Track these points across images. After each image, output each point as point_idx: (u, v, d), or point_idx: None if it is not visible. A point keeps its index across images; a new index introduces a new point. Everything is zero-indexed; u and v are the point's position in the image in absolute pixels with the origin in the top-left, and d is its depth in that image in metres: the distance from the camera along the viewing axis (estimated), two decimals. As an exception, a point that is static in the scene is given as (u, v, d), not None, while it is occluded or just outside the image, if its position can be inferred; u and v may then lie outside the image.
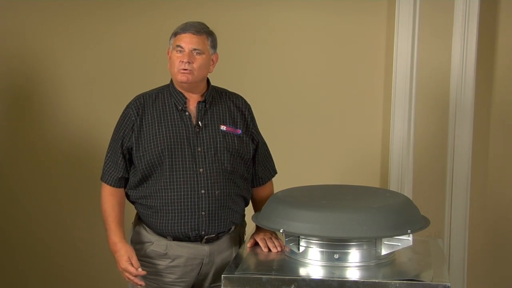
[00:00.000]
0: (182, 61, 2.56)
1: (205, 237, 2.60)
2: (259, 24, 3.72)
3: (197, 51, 2.57)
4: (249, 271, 2.31)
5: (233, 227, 2.69)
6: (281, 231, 2.34)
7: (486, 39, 3.59)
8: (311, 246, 2.37)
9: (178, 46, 2.57)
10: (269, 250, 2.56)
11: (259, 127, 2.78)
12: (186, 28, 2.60)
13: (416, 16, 3.51)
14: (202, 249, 2.62)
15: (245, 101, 2.78)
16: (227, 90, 2.78)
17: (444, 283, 2.17)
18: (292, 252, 2.43)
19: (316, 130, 3.75)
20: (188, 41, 2.57)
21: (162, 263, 2.62)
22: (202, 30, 2.61)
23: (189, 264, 2.63)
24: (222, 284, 2.28)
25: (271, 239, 2.60)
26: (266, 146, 2.84)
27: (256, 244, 2.62)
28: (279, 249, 2.55)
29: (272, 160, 2.87)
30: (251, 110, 2.77)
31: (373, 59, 3.67)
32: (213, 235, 2.61)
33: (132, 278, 2.54)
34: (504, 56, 3.63)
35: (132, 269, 2.52)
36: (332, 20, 3.67)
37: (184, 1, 3.74)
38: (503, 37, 3.61)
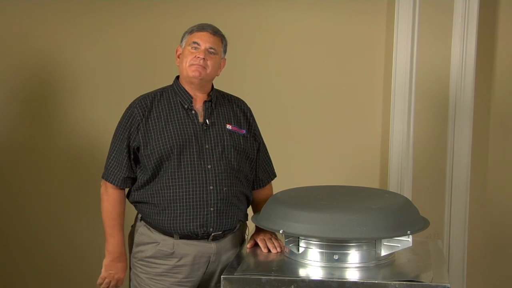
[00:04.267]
0: (198, 57, 2.58)
1: (213, 234, 2.60)
2: (258, 25, 3.73)
3: (212, 50, 2.61)
4: (248, 272, 2.31)
5: (238, 225, 2.70)
6: (280, 232, 2.34)
7: (486, 39, 3.59)
8: (311, 247, 2.37)
9: (194, 42, 2.60)
10: (269, 251, 2.56)
11: (260, 128, 2.79)
12: (203, 27, 2.65)
13: (415, 16, 3.51)
14: (209, 247, 2.62)
15: (246, 104, 2.82)
16: (227, 93, 2.80)
17: (444, 284, 2.17)
18: (291, 253, 2.43)
19: (315, 130, 3.75)
20: (205, 39, 2.61)
21: (169, 263, 2.62)
22: (218, 33, 2.67)
23: (196, 262, 2.62)
24: (222, 285, 2.28)
25: (271, 239, 2.60)
26: (266, 149, 2.86)
27: (256, 244, 2.63)
28: (278, 249, 2.55)
29: (272, 164, 2.88)
30: (252, 113, 2.81)
31: (373, 59, 3.67)
32: (220, 232, 2.62)
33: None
34: (503, 56, 3.63)
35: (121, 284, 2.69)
36: (332, 20, 3.67)
37: (189, 1, 3.74)
38: (502, 37, 3.61)
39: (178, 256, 2.61)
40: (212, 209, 2.57)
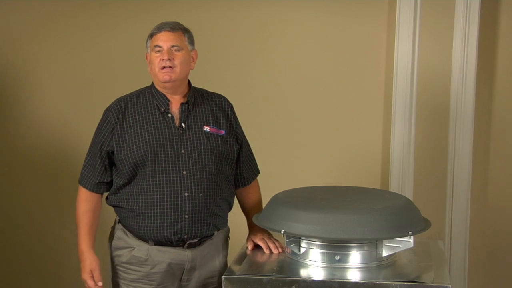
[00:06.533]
0: (163, 59, 2.52)
1: (188, 241, 2.56)
2: (260, 25, 3.72)
3: (175, 47, 2.55)
4: (249, 272, 2.31)
5: (215, 232, 2.66)
6: (282, 232, 2.34)
7: (487, 40, 3.59)
8: (312, 247, 2.37)
9: (156, 46, 2.54)
10: (270, 251, 2.55)
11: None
12: (161, 27, 2.57)
13: (416, 18, 3.51)
14: (184, 255, 2.58)
15: (227, 100, 2.74)
16: (207, 90, 2.74)
17: (445, 285, 2.17)
18: (293, 253, 2.43)
19: (316, 131, 3.74)
20: (165, 39, 2.54)
21: (143, 270, 2.58)
22: (177, 27, 2.59)
23: (170, 269, 2.59)
24: (223, 285, 2.28)
25: (270, 239, 2.59)
26: (249, 145, 2.80)
27: (256, 246, 2.61)
28: (280, 250, 2.54)
29: (255, 160, 2.83)
30: (234, 110, 2.74)
31: (374, 60, 3.67)
32: (196, 240, 2.58)
33: None
34: (505, 57, 3.62)
35: (91, 284, 2.56)
36: (333, 21, 3.67)
37: (190, 2, 3.73)
38: (503, 38, 3.61)
39: (152, 263, 2.57)
40: (186, 216, 2.52)
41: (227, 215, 2.73)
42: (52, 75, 3.86)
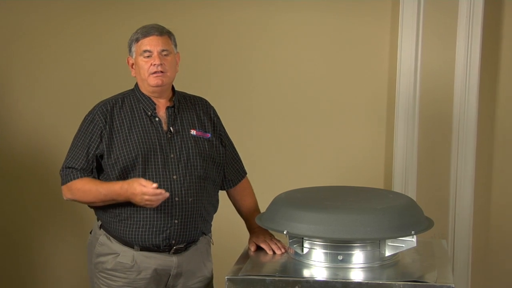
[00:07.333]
0: (154, 64, 2.50)
1: (174, 247, 2.54)
2: (263, 26, 3.72)
3: (165, 51, 2.53)
4: (253, 273, 2.31)
5: (201, 238, 2.64)
6: (285, 232, 2.34)
7: (490, 41, 3.58)
8: (315, 247, 2.37)
9: (145, 51, 2.52)
10: (273, 252, 2.54)
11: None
12: (148, 31, 2.54)
13: (420, 19, 3.50)
14: (170, 260, 2.56)
15: (208, 103, 2.73)
16: (188, 93, 2.72)
17: (448, 284, 2.17)
18: (295, 253, 2.43)
19: (319, 132, 3.75)
20: (154, 43, 2.52)
21: (129, 276, 2.54)
22: (164, 31, 2.57)
23: (156, 275, 2.56)
24: (226, 286, 2.28)
25: (272, 241, 2.58)
26: (234, 147, 2.78)
27: (258, 247, 2.60)
28: (283, 250, 2.54)
29: (241, 161, 2.80)
30: (216, 112, 2.73)
31: (377, 61, 3.67)
32: (182, 245, 2.56)
33: (155, 194, 2.36)
34: (508, 59, 3.62)
35: (147, 190, 2.35)
36: (336, 22, 3.67)
37: (192, 2, 3.73)
38: (507, 40, 3.61)
39: (138, 270, 2.53)
40: (176, 221, 2.51)
41: (212, 220, 2.72)
42: (47, 75, 3.86)
